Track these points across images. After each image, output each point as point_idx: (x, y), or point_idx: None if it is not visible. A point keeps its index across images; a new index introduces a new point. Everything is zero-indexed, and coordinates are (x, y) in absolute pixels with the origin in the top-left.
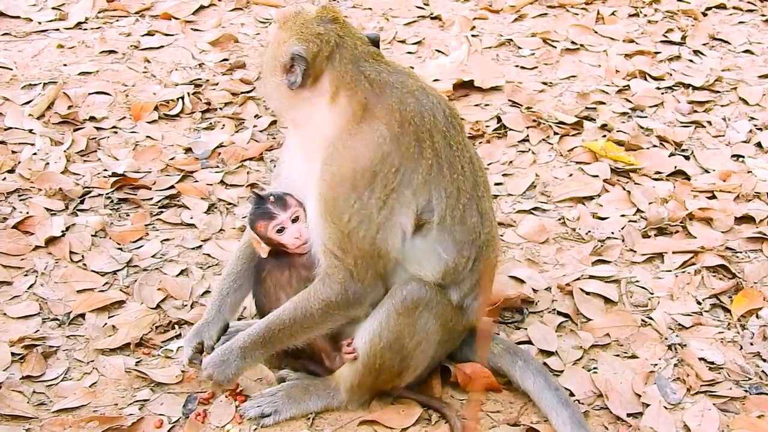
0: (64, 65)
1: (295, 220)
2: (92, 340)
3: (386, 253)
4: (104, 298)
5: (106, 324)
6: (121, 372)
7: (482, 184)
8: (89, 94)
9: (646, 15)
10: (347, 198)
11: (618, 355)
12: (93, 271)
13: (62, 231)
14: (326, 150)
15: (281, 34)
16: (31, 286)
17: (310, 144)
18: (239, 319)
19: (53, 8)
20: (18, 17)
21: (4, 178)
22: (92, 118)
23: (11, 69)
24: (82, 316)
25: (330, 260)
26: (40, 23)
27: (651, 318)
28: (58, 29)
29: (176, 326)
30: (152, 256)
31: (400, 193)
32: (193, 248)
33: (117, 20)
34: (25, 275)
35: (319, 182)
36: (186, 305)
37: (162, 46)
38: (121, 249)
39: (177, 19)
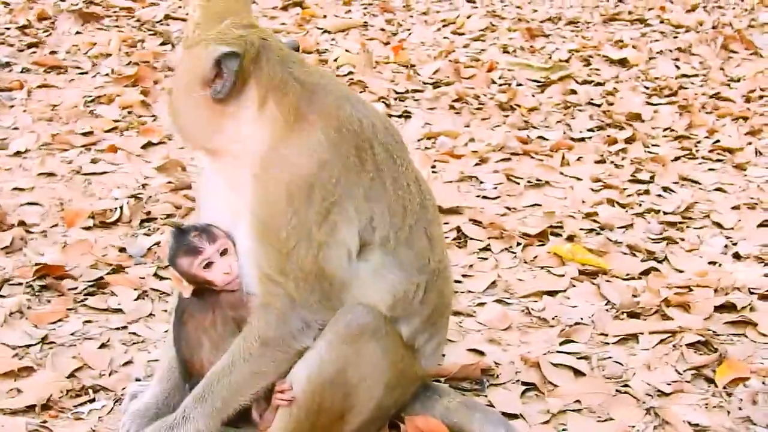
0: None
1: (223, 254)
2: None
3: (331, 274)
4: (12, 363)
5: (11, 389)
6: None
7: (431, 207)
8: (21, 204)
9: (613, 162)
10: (284, 213)
11: (590, 419)
12: (3, 343)
13: None
14: (257, 165)
15: (196, 50)
16: None
17: (236, 165)
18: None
19: None
20: None
21: None
22: (22, 223)
23: None
24: None
25: (267, 288)
26: None
27: (627, 386)
28: None
29: (91, 391)
30: (71, 334)
31: (342, 207)
32: (117, 328)
33: (60, 152)
34: None
35: (251, 201)
36: (104, 374)
37: (105, 172)
38: (36, 327)
39: (124, 150)
